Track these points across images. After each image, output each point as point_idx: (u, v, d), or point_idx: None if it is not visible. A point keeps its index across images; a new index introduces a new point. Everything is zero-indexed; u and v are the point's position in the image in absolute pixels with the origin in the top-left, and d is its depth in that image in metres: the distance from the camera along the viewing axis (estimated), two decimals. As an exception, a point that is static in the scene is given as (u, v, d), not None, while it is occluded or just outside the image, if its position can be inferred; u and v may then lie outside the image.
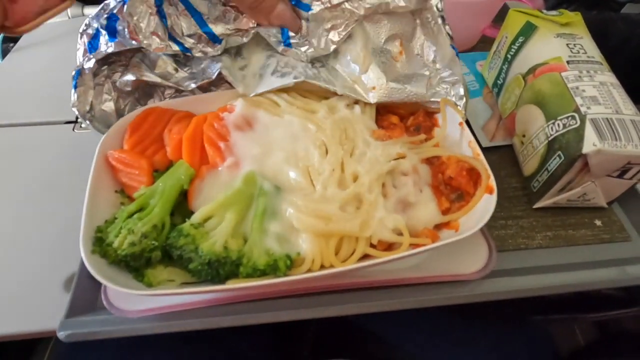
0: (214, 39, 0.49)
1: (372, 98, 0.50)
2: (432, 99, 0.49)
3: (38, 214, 0.54)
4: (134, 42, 0.46)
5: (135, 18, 0.45)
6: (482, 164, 0.43)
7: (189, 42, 0.48)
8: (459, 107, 0.48)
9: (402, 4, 0.47)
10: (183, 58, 0.52)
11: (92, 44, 0.49)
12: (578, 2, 1.07)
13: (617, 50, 1.03)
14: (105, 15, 0.47)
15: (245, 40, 0.50)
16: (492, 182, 0.42)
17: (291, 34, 0.50)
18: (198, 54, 0.49)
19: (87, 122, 0.50)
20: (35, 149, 0.62)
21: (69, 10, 0.86)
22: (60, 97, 0.68)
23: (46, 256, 0.50)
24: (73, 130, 0.65)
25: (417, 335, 0.64)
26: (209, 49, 0.49)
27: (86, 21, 0.49)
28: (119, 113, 0.52)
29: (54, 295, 0.47)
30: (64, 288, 0.47)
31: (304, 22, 0.49)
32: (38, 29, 0.83)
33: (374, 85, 0.50)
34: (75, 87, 0.48)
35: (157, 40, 0.46)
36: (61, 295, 0.46)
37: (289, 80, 0.49)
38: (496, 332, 0.63)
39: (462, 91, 0.48)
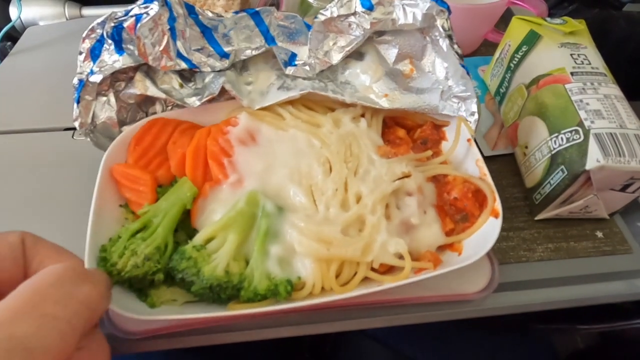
0: (221, 54, 0.49)
1: (385, 103, 0.49)
2: (444, 112, 0.49)
3: (36, 224, 0.52)
4: (141, 59, 0.46)
5: (146, 38, 0.45)
6: (489, 186, 0.43)
7: (196, 58, 0.48)
8: (469, 122, 0.48)
9: (410, 21, 0.47)
10: (188, 72, 0.51)
11: (95, 50, 0.48)
12: (580, 1, 1.06)
13: (619, 48, 1.02)
14: (112, 24, 0.46)
15: (254, 53, 0.50)
16: (498, 205, 0.41)
17: (298, 59, 0.50)
18: (205, 69, 0.49)
19: (89, 137, 0.49)
20: (33, 157, 0.61)
21: (66, 11, 0.85)
22: (58, 103, 0.67)
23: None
24: (72, 137, 0.64)
25: (417, 341, 0.64)
26: (217, 64, 0.49)
27: (91, 25, 0.48)
28: (121, 123, 0.52)
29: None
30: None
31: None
32: (36, 31, 0.82)
33: (386, 92, 0.50)
34: (78, 101, 0.48)
35: (166, 58, 0.47)
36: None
37: (294, 93, 0.49)
38: (497, 340, 0.63)
39: (473, 107, 0.47)
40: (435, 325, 0.64)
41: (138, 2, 0.46)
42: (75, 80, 0.48)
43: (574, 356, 0.61)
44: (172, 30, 0.46)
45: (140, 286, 0.38)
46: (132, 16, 0.45)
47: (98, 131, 0.50)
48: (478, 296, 0.43)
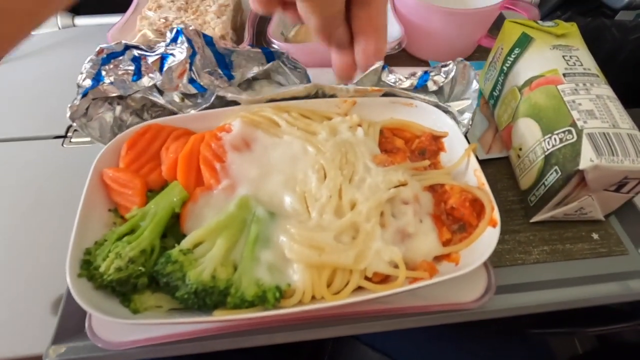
0: (229, 77, 0.52)
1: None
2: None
3: (26, 232, 0.53)
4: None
5: (171, 74, 0.49)
6: (486, 195, 0.42)
7: (206, 79, 0.50)
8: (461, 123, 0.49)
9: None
10: None
11: (107, 59, 0.51)
12: (572, 10, 1.07)
13: (611, 57, 1.03)
14: (136, 53, 0.50)
15: (257, 70, 0.54)
16: (496, 215, 0.41)
17: None
18: (213, 90, 0.50)
19: (80, 127, 0.49)
20: (23, 165, 0.61)
21: (59, 21, 0.85)
22: (48, 111, 0.67)
23: (33, 277, 0.49)
24: (62, 145, 0.64)
25: (415, 346, 0.63)
26: (224, 84, 0.51)
27: (112, 45, 0.51)
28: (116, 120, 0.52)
29: (41, 317, 0.45)
30: (52, 310, 0.46)
31: None
32: (27, 40, 0.82)
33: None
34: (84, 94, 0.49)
35: (181, 85, 0.50)
36: (48, 318, 0.45)
37: (296, 87, 0.49)
38: (495, 344, 0.62)
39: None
40: (432, 333, 0.63)
41: (163, 42, 0.49)
42: (88, 82, 0.49)
43: (572, 358, 0.60)
44: (191, 64, 0.49)
45: (123, 290, 0.37)
46: (157, 54, 0.49)
47: (91, 127, 0.50)
48: (474, 305, 0.42)
